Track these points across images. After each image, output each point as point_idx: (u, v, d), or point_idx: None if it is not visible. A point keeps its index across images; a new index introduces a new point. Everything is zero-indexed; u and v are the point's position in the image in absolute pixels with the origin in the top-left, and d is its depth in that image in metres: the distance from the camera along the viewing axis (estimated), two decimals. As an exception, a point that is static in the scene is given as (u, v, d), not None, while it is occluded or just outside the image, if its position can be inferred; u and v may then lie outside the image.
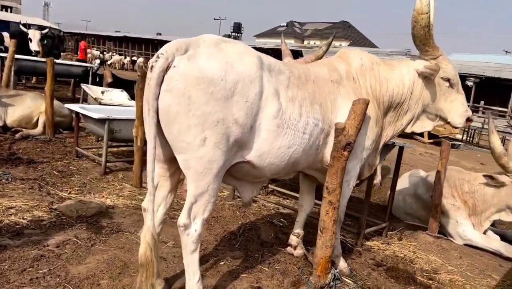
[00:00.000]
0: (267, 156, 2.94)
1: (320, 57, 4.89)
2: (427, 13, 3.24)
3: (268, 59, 2.97)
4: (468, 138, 16.09)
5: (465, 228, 5.01)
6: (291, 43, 59.88)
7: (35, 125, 7.37)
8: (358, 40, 68.03)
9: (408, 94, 3.61)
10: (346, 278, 3.62)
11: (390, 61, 3.75)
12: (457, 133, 15.55)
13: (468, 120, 3.65)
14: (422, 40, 3.39)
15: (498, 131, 15.28)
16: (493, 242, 4.89)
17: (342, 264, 3.73)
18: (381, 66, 3.61)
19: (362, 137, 3.41)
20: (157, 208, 2.99)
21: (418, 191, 5.54)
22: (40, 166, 5.71)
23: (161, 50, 2.59)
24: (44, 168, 5.63)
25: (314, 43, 64.47)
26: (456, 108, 3.61)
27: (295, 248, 3.97)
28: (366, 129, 3.42)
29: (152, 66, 2.56)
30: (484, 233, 5.09)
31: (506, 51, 61.76)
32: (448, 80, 3.56)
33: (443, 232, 5.22)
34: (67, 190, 5.00)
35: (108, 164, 5.95)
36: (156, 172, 2.89)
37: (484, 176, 4.98)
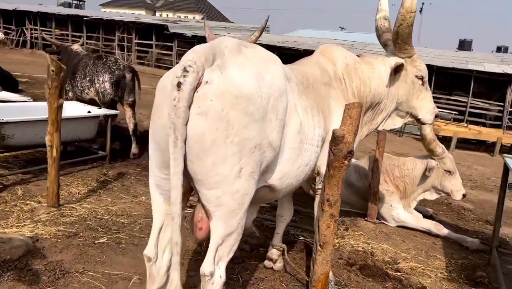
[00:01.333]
0: (287, 177, 2.58)
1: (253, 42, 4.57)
2: (414, 12, 3.16)
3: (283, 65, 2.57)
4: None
5: (398, 211, 5.33)
6: (142, 14, 56.89)
7: None
8: (212, 14, 67.85)
9: (386, 93, 3.54)
10: (340, 288, 3.49)
11: (366, 58, 3.62)
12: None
13: (436, 116, 3.74)
14: (405, 38, 3.31)
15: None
16: (424, 222, 5.31)
17: (331, 274, 3.56)
18: (362, 65, 3.45)
19: None
20: (162, 252, 2.41)
21: (351, 178, 5.68)
22: None
23: (187, 61, 1.98)
24: None
25: (167, 15, 62.41)
26: (426, 105, 3.63)
27: (275, 261, 3.68)
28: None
29: (179, 83, 1.94)
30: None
31: (342, 27, 68.48)
32: (422, 78, 3.57)
33: (376, 216, 5.47)
34: (-43, 222, 3.82)
35: None
36: (162, 210, 2.30)
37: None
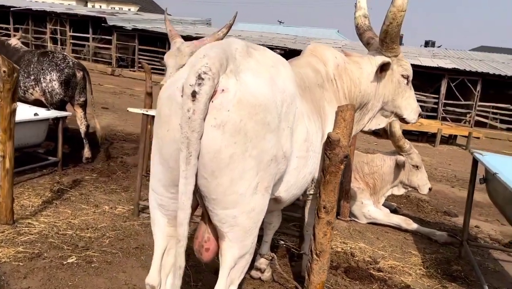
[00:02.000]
0: (293, 188, 2.42)
1: (219, 39, 4.37)
2: (405, 11, 3.10)
3: None
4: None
5: (369, 208, 5.35)
6: (73, 4, 54.02)
7: None
8: (148, 5, 65.79)
9: (374, 92, 3.47)
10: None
11: (353, 58, 3.52)
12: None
13: (419, 115, 3.74)
14: (393, 37, 3.25)
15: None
16: (393, 217, 5.37)
17: (319, 279, 3.47)
18: (351, 65, 3.35)
19: None
20: (165, 278, 2.15)
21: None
22: None
23: (201, 67, 1.74)
24: None
25: (100, 6, 59.62)
26: (411, 104, 3.60)
27: (263, 271, 3.51)
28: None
29: (194, 92, 1.69)
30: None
31: (280, 21, 69.19)
32: (407, 77, 3.54)
33: (348, 214, 5.47)
34: None
35: None
36: (165, 232, 2.05)
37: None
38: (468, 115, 18.27)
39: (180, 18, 26.84)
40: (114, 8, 54.35)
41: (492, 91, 18.01)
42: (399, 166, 5.30)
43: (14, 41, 6.99)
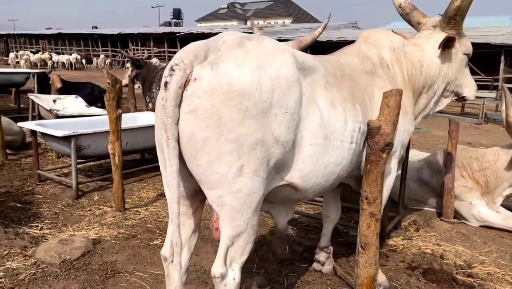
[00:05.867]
0: (313, 176, 2.42)
1: (316, 39, 4.44)
2: None
3: (301, 54, 2.42)
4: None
5: (480, 209, 4.75)
6: (234, 24, 58.94)
7: (-18, 148, 6.40)
8: (300, 16, 68.01)
9: (437, 73, 3.25)
10: (391, 294, 3.21)
11: (412, 40, 3.32)
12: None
13: (476, 90, 3.65)
14: (464, 14, 3.12)
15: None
16: (511, 220, 4.67)
17: (381, 277, 3.30)
18: (410, 48, 3.19)
19: (400, 132, 2.96)
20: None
21: (423, 176, 5.22)
22: (-2, 199, 4.88)
23: (175, 60, 1.96)
24: (4, 202, 4.80)
25: (258, 23, 63.85)
26: (470, 81, 3.55)
27: (323, 264, 3.50)
28: (404, 122, 2.97)
29: (166, 83, 1.93)
30: (497, 210, 4.86)
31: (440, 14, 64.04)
32: (468, 55, 3.41)
33: (456, 216, 4.94)
34: (37, 226, 4.25)
35: (79, 185, 5.20)
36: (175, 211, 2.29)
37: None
38: None
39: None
40: (270, 23, 57.63)
41: None
42: (518, 161, 4.59)
43: (154, 60, 8.25)
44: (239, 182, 2.06)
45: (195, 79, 1.97)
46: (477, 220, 4.78)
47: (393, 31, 3.36)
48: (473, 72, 21.46)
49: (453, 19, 3.11)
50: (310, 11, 73.13)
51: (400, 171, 4.89)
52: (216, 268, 2.19)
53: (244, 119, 2.00)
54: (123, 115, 4.54)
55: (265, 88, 2.08)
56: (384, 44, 3.10)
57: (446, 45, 3.13)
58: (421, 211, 5.25)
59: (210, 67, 2.00)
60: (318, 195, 2.75)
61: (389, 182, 3.08)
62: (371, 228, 2.87)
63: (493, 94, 14.46)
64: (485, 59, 21.75)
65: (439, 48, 3.15)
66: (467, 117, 14.45)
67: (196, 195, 2.33)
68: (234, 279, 2.23)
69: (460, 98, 3.58)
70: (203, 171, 2.04)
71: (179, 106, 1.96)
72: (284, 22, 60.51)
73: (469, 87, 3.51)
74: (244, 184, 2.07)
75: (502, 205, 4.95)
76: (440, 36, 3.16)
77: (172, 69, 1.94)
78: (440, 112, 15.11)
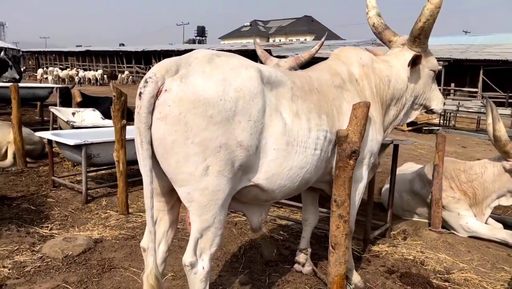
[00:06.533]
0: (277, 178, 2.69)
1: (313, 55, 4.74)
2: (440, 7, 3.13)
3: (268, 70, 2.72)
4: (444, 122, 16.21)
5: (468, 220, 4.89)
6: (257, 41, 59.60)
7: (4, 156, 6.90)
8: (322, 33, 68.41)
9: (405, 88, 3.51)
10: (361, 292, 3.41)
11: (381, 56, 3.60)
12: (434, 118, 15.67)
13: (444, 104, 3.89)
14: (428, 34, 3.34)
15: (471, 112, 15.51)
16: (498, 232, 4.78)
17: (356, 277, 3.52)
18: (379, 64, 3.44)
19: (368, 141, 3.22)
20: (158, 245, 2.70)
21: (415, 187, 5.40)
22: (15, 202, 5.30)
23: (149, 74, 2.30)
24: (19, 204, 5.22)
25: (280, 40, 64.60)
26: (437, 95, 3.76)
27: (303, 265, 3.73)
28: (372, 132, 3.23)
29: (140, 93, 2.26)
30: (486, 221, 4.99)
31: (466, 31, 63.53)
32: (434, 71, 3.64)
33: (445, 226, 5.09)
34: (47, 226, 4.62)
35: (88, 191, 5.58)
36: (154, 206, 2.60)
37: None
38: None
39: (343, 42, 27.47)
40: (291, 40, 58.16)
41: None
42: (506, 173, 4.74)
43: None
44: (205, 181, 2.35)
45: (166, 90, 2.29)
46: (465, 231, 4.91)
47: (366, 48, 3.63)
48: (490, 89, 21.56)
49: (418, 38, 3.35)
50: (333, 29, 73.50)
51: (388, 184, 5.10)
52: (186, 257, 2.47)
53: (208, 125, 2.30)
54: (131, 127, 4.89)
55: (229, 98, 2.38)
56: (353, 60, 3.37)
57: (414, 62, 3.38)
58: (412, 221, 5.42)
59: (179, 80, 2.32)
60: (286, 196, 3.00)
61: (360, 187, 3.32)
62: (340, 229, 3.11)
63: (508, 110, 14.40)
64: (504, 75, 21.59)
65: (408, 65, 3.40)
66: (481, 133, 14.42)
67: (171, 193, 2.62)
68: (203, 268, 2.50)
69: (429, 111, 3.79)
70: (172, 170, 2.34)
71: (152, 113, 2.28)
72: (306, 39, 61.03)
73: (436, 100, 3.73)
74: (210, 182, 2.36)
75: (493, 218, 5.09)
76: (408, 53, 3.41)
77: (146, 81, 2.27)
78: (455, 128, 15.39)
